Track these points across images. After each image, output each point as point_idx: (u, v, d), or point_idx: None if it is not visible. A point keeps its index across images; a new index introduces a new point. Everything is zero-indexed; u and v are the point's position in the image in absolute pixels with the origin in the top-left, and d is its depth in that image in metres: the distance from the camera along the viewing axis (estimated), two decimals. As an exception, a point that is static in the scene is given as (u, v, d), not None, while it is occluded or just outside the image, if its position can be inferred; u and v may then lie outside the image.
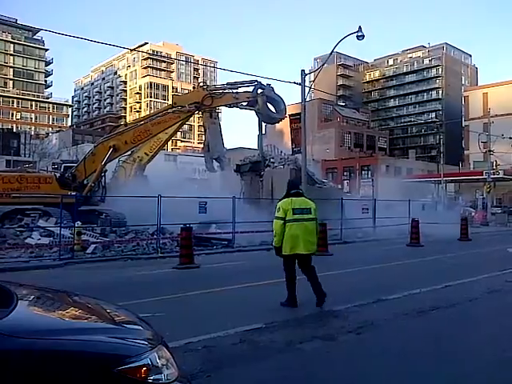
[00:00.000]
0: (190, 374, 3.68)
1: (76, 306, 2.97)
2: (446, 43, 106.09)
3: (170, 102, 23.67)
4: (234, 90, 22.80)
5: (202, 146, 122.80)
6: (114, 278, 10.44)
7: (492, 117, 48.02)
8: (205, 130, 23.94)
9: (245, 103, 22.87)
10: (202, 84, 25.36)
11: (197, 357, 4.65)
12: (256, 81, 22.53)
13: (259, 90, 22.48)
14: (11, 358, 2.05)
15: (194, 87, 26.31)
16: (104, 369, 2.14)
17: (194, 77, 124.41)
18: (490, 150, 44.58)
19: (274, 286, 7.71)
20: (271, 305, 7.28)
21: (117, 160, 22.18)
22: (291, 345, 5.19)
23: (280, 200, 7.28)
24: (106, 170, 20.60)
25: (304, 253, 7.08)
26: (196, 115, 26.25)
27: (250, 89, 22.65)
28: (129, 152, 22.27)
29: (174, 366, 2.44)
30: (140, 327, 2.70)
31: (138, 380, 2.19)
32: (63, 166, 21.66)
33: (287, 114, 23.78)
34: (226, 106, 23.75)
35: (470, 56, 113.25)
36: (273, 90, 22.91)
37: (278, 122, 24.99)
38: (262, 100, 22.29)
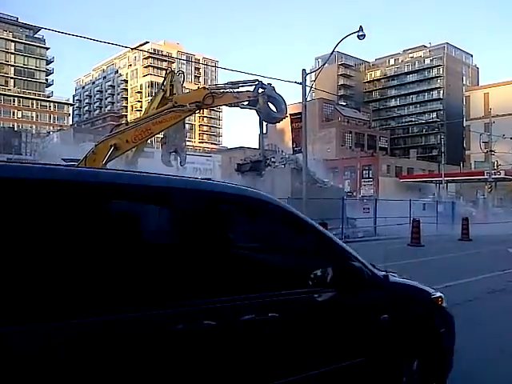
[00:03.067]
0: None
1: None
2: (448, 43, 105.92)
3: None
4: (235, 90, 22.79)
5: (202, 145, 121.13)
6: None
7: (493, 117, 48.07)
8: None
9: (246, 102, 22.85)
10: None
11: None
12: (257, 80, 22.52)
13: (260, 90, 22.46)
14: (386, 295, 3.27)
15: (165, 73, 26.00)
16: (429, 297, 3.64)
17: (195, 76, 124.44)
18: (491, 150, 44.62)
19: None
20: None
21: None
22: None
23: None
24: (107, 170, 20.61)
25: None
26: (197, 114, 26.25)
27: (251, 88, 22.64)
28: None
29: None
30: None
31: (439, 304, 3.70)
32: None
33: (288, 113, 23.78)
34: (226, 105, 23.72)
35: (472, 56, 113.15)
36: (274, 90, 22.90)
37: (279, 122, 24.99)
38: (262, 99, 22.28)
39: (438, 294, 3.74)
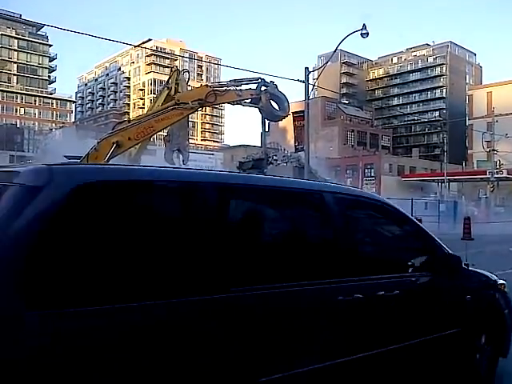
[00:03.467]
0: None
1: None
2: (451, 41, 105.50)
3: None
4: (238, 88, 22.76)
5: (204, 142, 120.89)
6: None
7: (496, 116, 47.98)
8: None
9: (248, 100, 22.80)
10: None
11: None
12: (260, 78, 22.48)
13: (263, 88, 22.42)
14: (468, 280, 4.05)
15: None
16: (495, 283, 4.35)
17: (198, 74, 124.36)
18: (493, 150, 44.57)
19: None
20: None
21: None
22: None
23: None
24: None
25: None
26: (199, 112, 26.23)
27: (254, 86, 22.61)
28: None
29: None
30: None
31: (502, 290, 4.34)
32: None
33: (290, 111, 23.72)
34: (229, 103, 23.69)
35: (475, 55, 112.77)
36: (276, 88, 22.85)
37: (281, 120, 24.93)
38: (265, 97, 22.23)
39: (502, 281, 4.40)
